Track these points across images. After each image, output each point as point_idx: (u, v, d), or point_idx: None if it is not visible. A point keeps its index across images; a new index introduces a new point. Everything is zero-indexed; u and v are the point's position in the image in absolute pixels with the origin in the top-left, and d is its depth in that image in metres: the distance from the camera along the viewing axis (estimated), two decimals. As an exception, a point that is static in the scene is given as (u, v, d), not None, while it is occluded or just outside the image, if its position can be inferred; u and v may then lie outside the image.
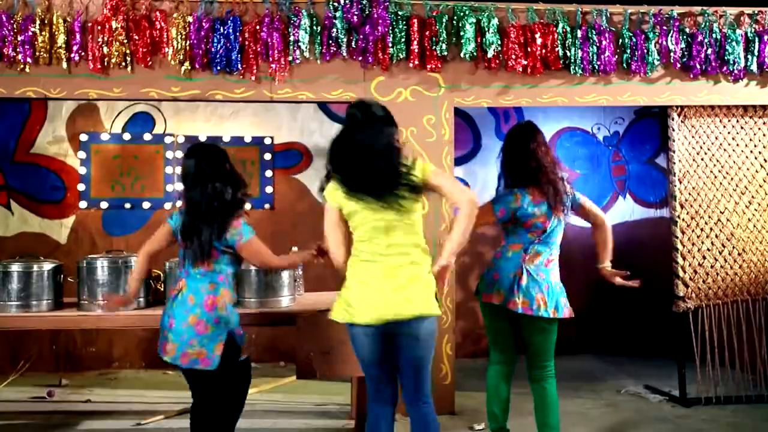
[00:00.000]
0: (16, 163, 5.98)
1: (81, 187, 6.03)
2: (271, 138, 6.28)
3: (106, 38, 4.27)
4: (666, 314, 4.95)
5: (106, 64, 4.29)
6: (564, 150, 6.66)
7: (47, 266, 3.71)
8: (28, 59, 4.22)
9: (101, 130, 6.11)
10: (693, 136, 4.85)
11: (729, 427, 4.16)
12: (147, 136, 6.15)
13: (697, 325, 4.73)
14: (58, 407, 4.77)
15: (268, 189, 6.22)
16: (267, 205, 6.19)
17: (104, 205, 6.02)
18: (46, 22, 4.23)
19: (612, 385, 5.19)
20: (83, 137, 6.05)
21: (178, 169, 6.01)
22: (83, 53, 4.27)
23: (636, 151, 6.75)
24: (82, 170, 6.05)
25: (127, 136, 6.12)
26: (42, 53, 4.23)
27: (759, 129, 4.89)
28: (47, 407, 4.75)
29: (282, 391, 5.16)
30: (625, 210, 6.73)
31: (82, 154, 6.05)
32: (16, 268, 3.64)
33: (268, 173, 6.24)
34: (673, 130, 4.83)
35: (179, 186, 6.00)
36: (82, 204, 6.01)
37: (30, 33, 4.21)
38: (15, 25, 4.21)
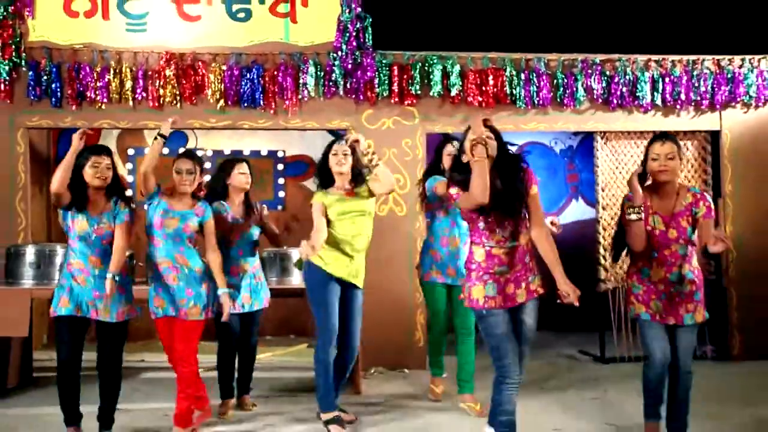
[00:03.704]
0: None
1: (128, 192, 7.39)
2: (283, 151, 7.65)
3: (161, 83, 5.66)
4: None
5: (161, 102, 5.68)
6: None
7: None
8: (104, 99, 5.62)
9: (145, 145, 7.48)
10: (613, 155, 6.21)
11: (627, 375, 5.44)
12: (181, 151, 7.52)
13: (615, 302, 6.08)
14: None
15: (281, 193, 7.59)
16: (279, 207, 7.56)
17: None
18: (117, 71, 5.63)
19: (554, 351, 6.54)
20: (130, 151, 7.44)
21: (207, 178, 7.44)
22: (145, 94, 5.66)
23: (586, 161, 8.07)
24: (130, 178, 7.43)
25: (165, 151, 7.41)
26: (114, 95, 5.63)
27: (664, 149, 6.24)
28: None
29: (293, 355, 6.54)
30: (578, 211, 8.06)
31: (129, 165, 7.44)
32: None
33: (281, 180, 7.62)
34: (598, 150, 6.20)
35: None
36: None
37: (105, 80, 5.60)
38: (95, 75, 5.60)
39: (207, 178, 4.93)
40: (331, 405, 4.08)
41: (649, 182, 3.71)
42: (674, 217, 3.58)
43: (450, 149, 4.49)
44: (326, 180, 4.22)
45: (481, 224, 3.30)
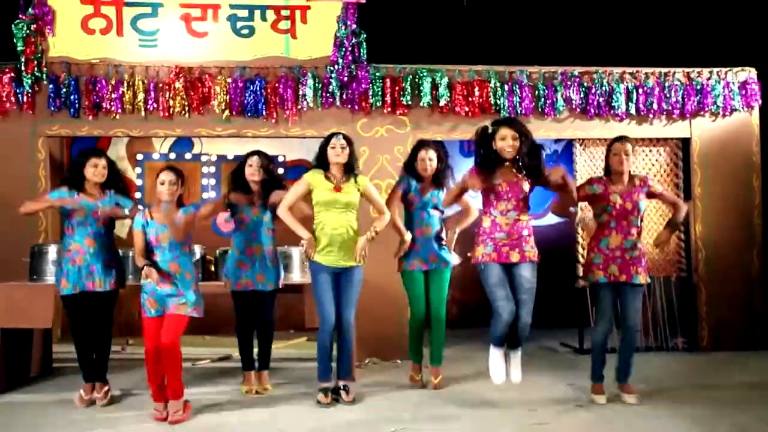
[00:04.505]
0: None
1: (138, 195, 7.86)
2: (284, 156, 8.08)
3: (171, 94, 6.11)
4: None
5: (171, 112, 6.13)
6: (513, 165, 8.45)
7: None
8: (118, 110, 6.06)
9: (153, 151, 7.94)
10: (591, 160, 6.67)
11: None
12: (187, 155, 7.98)
13: (593, 297, 6.51)
14: (131, 356, 6.59)
15: (281, 196, 8.03)
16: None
17: (155, 208, 7.82)
18: (130, 84, 6.08)
19: (537, 344, 6.97)
20: (139, 156, 7.89)
21: (212, 181, 7.91)
22: (156, 105, 6.11)
23: (571, 165, 8.50)
24: (138, 182, 7.88)
25: (172, 156, 7.96)
26: (127, 105, 6.07)
27: (638, 155, 6.68)
28: (124, 356, 6.56)
29: (293, 348, 6.98)
30: (562, 212, 8.51)
31: (138, 170, 7.89)
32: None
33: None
34: (577, 156, 6.66)
35: (213, 194, 7.89)
36: (139, 208, 7.81)
37: (120, 92, 6.05)
38: (110, 87, 6.05)
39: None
40: (323, 376, 4.76)
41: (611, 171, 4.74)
42: (629, 194, 4.58)
43: (423, 154, 5.06)
44: (323, 166, 4.78)
45: (492, 195, 4.31)
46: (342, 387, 4.82)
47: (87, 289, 4.66)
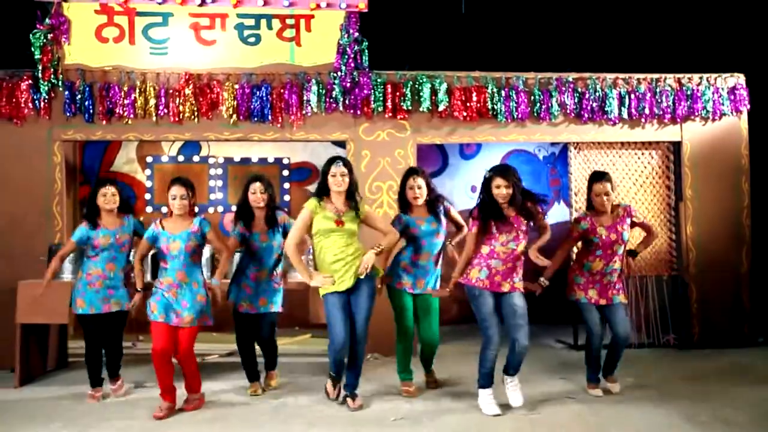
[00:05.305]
0: (100, 178, 8.04)
1: (147, 196, 8.11)
2: (288, 158, 8.33)
3: (181, 100, 6.36)
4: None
5: (181, 117, 6.38)
6: (512, 167, 8.68)
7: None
8: (131, 115, 6.31)
9: (162, 153, 8.19)
10: (585, 163, 6.90)
11: (595, 359, 6.16)
12: (195, 158, 8.23)
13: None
14: (143, 352, 6.84)
15: (286, 197, 8.27)
16: (285, 210, 8.21)
17: (164, 209, 8.02)
18: (142, 90, 6.33)
19: (534, 341, 7.13)
20: (149, 159, 8.14)
21: (219, 183, 8.15)
22: (166, 110, 6.35)
23: (566, 167, 8.73)
24: (148, 183, 8.13)
25: (180, 158, 8.20)
26: (139, 111, 6.32)
27: (630, 158, 6.93)
28: (136, 352, 6.82)
29: (298, 344, 7.22)
30: (560, 213, 8.71)
31: (147, 172, 8.14)
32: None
33: (286, 185, 8.30)
34: (571, 158, 6.89)
35: (220, 195, 8.13)
36: (148, 209, 8.05)
37: (132, 98, 6.30)
38: (122, 93, 6.31)
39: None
40: (335, 372, 4.83)
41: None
42: (614, 227, 4.92)
43: (411, 182, 5.07)
44: (323, 193, 4.76)
45: (495, 228, 4.60)
46: (348, 394, 4.82)
47: (103, 312, 4.97)
